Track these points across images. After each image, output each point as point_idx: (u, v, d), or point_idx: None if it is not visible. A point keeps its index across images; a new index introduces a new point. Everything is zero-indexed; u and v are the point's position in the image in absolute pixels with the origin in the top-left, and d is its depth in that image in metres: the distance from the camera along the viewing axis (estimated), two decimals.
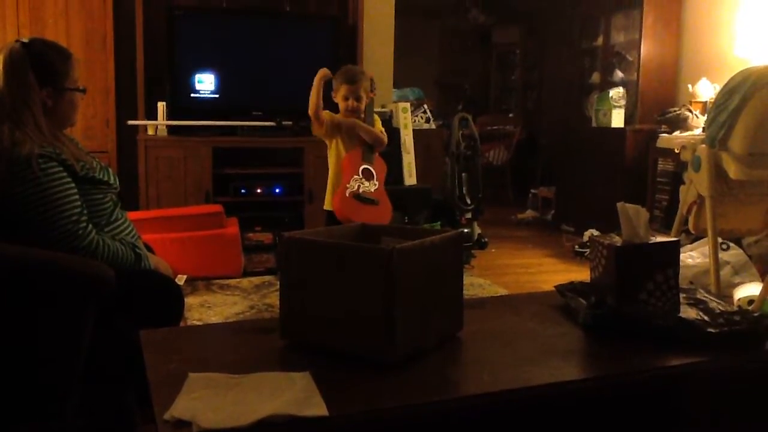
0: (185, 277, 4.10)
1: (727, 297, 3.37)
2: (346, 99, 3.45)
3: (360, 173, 3.41)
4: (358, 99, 3.44)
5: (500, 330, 1.79)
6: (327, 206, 3.46)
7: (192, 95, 5.02)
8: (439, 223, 4.90)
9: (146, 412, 1.91)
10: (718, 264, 3.45)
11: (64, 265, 1.85)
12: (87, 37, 4.75)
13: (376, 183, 3.43)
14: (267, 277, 4.27)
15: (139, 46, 4.79)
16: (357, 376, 1.45)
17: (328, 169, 3.57)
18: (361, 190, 3.38)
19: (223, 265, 4.26)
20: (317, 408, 1.26)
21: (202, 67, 5.04)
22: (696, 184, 3.53)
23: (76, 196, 2.05)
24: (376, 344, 1.48)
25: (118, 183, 2.30)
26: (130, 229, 2.31)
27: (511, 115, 8.99)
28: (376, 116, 3.60)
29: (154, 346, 1.62)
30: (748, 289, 3.48)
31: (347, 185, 3.38)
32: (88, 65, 4.77)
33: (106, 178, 2.20)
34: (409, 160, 5.22)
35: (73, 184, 2.05)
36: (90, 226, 2.07)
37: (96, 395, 1.96)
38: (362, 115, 3.49)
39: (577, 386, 1.47)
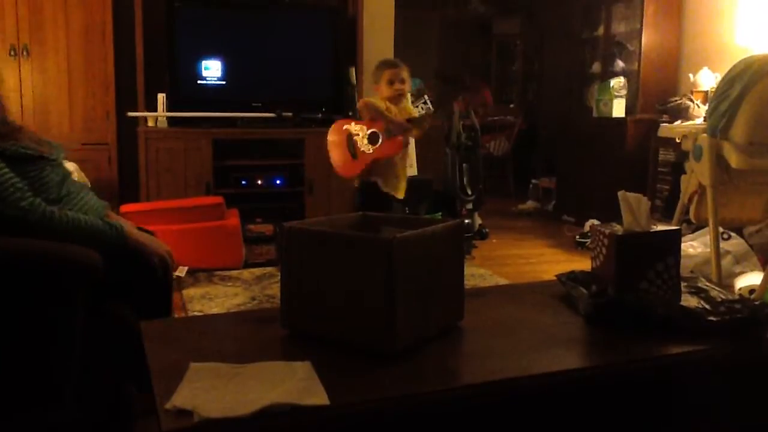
0: (186, 268, 4.11)
1: (728, 286, 3.37)
2: (391, 83, 3.56)
3: (367, 133, 3.44)
4: (402, 81, 3.57)
5: (501, 319, 1.79)
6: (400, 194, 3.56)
7: (192, 87, 5.01)
8: (439, 213, 4.89)
9: (147, 400, 1.92)
10: (719, 253, 3.45)
11: (51, 253, 1.86)
12: (86, 29, 4.73)
13: (371, 150, 3.46)
14: (268, 269, 4.27)
15: (138, 37, 4.78)
16: (358, 366, 1.45)
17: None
18: (355, 140, 3.48)
19: (224, 257, 4.26)
20: (318, 397, 1.26)
21: (202, 59, 5.03)
22: (697, 174, 3.53)
23: (10, 176, 2.05)
24: (377, 334, 1.48)
25: (61, 157, 2.32)
26: (87, 200, 2.30)
27: (511, 105, 8.97)
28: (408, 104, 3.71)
29: (155, 336, 1.62)
30: (749, 279, 3.49)
31: (348, 126, 3.52)
32: (88, 57, 4.76)
33: (36, 153, 2.18)
34: (409, 150, 5.21)
35: (2, 165, 2.05)
36: (37, 200, 2.07)
37: (94, 383, 1.96)
38: (407, 97, 3.64)
39: (578, 375, 1.47)
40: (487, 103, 3.08)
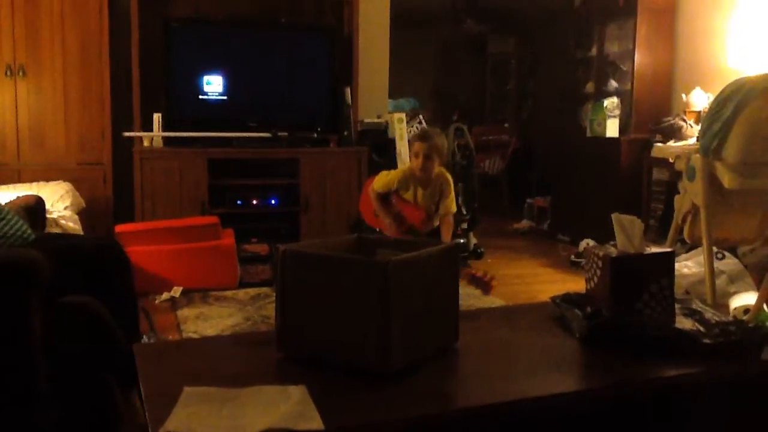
0: (181, 288, 4.10)
1: (722, 306, 3.37)
2: (416, 156, 3.42)
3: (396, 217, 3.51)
4: (428, 157, 3.39)
5: (496, 341, 1.79)
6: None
7: (188, 106, 5.03)
8: None
9: (129, 397, 1.92)
10: (713, 273, 3.45)
11: None
12: (83, 49, 4.75)
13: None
14: (263, 289, 4.26)
15: (134, 57, 4.80)
16: (353, 389, 1.45)
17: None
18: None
19: (218, 277, 4.25)
20: (313, 421, 1.25)
21: (198, 79, 5.05)
22: (691, 194, 3.54)
23: None
24: (372, 356, 1.48)
25: None
26: None
27: (506, 124, 9.00)
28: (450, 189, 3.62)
29: (148, 359, 1.61)
30: (744, 299, 3.49)
31: (382, 214, 3.54)
32: (84, 77, 4.77)
33: None
34: None
35: None
36: None
37: (74, 380, 1.97)
38: (432, 176, 3.50)
39: (573, 398, 1.47)
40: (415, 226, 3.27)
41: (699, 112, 4.96)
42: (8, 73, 4.61)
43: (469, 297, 4.16)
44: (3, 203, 2.76)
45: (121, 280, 2.57)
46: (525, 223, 6.85)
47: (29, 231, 2.69)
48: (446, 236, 3.58)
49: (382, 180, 3.61)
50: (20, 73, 4.63)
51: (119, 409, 2.09)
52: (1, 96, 4.63)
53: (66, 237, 3.44)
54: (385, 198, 3.61)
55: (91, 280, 2.39)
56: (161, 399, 1.35)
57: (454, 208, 3.64)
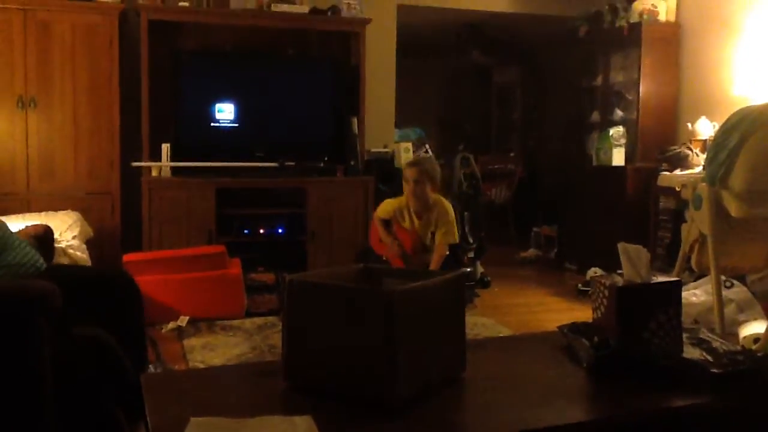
0: (187, 318, 4.10)
1: (732, 335, 3.35)
2: (407, 182, 3.47)
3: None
4: (418, 182, 3.45)
5: (503, 372, 1.78)
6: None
7: (196, 136, 5.07)
8: None
9: (136, 429, 1.91)
10: (722, 302, 3.44)
11: (7, 289, 1.90)
12: (93, 81, 4.81)
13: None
14: (270, 318, 4.25)
15: (144, 88, 4.86)
16: (359, 420, 1.44)
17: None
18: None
19: (225, 306, 4.25)
20: None
21: (206, 110, 5.10)
22: (698, 222, 3.53)
23: None
24: (379, 387, 1.47)
25: None
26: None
27: (512, 153, 9.03)
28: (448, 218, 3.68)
29: (155, 389, 1.61)
30: (754, 327, 3.46)
31: (384, 236, 3.63)
32: (94, 108, 4.82)
33: None
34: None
35: None
36: None
37: (80, 411, 1.97)
38: (427, 204, 3.56)
39: (581, 428, 1.46)
40: None
41: (705, 140, 4.97)
42: (20, 104, 4.67)
43: (476, 326, 4.15)
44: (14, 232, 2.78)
45: (130, 312, 2.59)
46: (532, 252, 6.84)
47: (41, 261, 2.71)
48: (434, 264, 3.60)
49: (384, 207, 3.65)
50: (31, 105, 4.69)
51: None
52: (12, 127, 4.68)
53: (77, 268, 3.46)
54: (387, 223, 3.66)
55: (101, 311, 2.41)
56: (168, 429, 1.35)
57: (452, 239, 3.64)
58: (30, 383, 1.81)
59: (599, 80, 6.12)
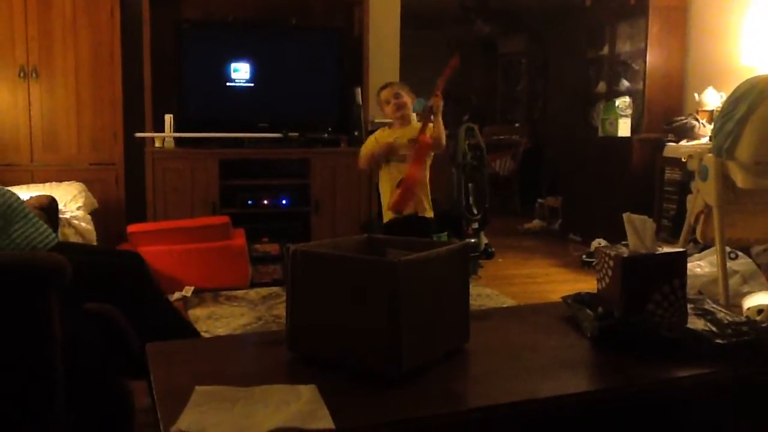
0: (192, 288, 4.12)
1: (736, 306, 3.35)
2: (388, 103, 3.49)
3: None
4: (398, 96, 3.47)
5: (507, 342, 1.79)
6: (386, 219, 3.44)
7: (199, 107, 5.05)
8: (445, 233, 4.89)
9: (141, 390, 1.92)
10: (726, 273, 3.43)
11: (18, 261, 1.91)
12: (95, 50, 4.77)
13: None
14: (274, 288, 4.27)
15: (146, 58, 4.82)
16: (363, 389, 1.45)
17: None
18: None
19: (230, 277, 4.27)
20: (323, 421, 1.26)
21: (209, 80, 5.07)
22: (703, 194, 3.52)
23: None
24: (382, 357, 1.47)
25: None
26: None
27: (517, 124, 8.99)
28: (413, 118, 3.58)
29: (160, 358, 1.62)
30: (758, 299, 3.47)
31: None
32: (96, 78, 4.80)
33: None
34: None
35: None
36: None
37: (87, 384, 1.98)
38: (412, 113, 3.55)
39: (584, 398, 1.47)
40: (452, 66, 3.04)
41: (712, 111, 4.93)
42: (21, 74, 4.64)
43: (480, 297, 4.17)
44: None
45: (140, 289, 2.58)
46: (536, 223, 6.84)
47: (53, 235, 2.71)
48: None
49: (366, 146, 3.56)
50: (33, 75, 4.66)
51: (134, 416, 2.10)
52: (14, 97, 4.66)
53: (86, 246, 3.49)
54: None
55: (111, 288, 2.40)
56: (173, 398, 1.35)
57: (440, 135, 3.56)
58: (40, 358, 1.82)
59: (605, 50, 6.06)
